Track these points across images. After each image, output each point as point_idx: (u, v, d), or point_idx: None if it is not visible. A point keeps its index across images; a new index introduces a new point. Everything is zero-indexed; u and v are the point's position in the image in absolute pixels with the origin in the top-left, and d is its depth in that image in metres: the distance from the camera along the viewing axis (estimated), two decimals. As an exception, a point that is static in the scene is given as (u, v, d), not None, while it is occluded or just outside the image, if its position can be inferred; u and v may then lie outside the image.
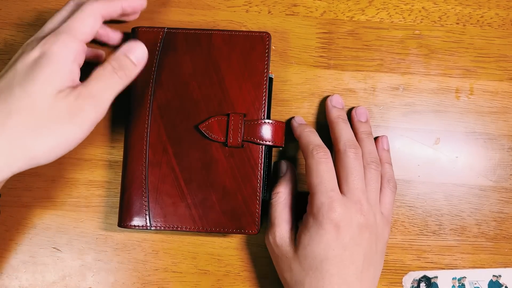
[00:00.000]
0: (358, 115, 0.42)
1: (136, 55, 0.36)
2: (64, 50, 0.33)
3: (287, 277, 0.37)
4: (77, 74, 0.34)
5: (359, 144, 0.40)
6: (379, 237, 0.38)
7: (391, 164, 0.42)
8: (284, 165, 0.42)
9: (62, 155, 0.34)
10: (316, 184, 0.37)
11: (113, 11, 0.37)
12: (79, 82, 0.34)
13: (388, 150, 0.42)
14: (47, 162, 0.33)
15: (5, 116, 0.31)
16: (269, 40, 0.40)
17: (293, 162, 0.43)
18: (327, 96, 0.43)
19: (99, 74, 0.34)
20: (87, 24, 0.35)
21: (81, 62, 0.35)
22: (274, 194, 0.40)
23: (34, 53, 0.33)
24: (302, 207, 0.39)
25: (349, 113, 0.43)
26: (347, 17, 0.44)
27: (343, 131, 0.40)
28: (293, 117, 0.43)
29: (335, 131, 0.40)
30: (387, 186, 0.40)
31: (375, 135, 0.43)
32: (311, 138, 0.39)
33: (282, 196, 0.40)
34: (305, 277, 0.36)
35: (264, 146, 0.39)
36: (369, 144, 0.40)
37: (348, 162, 0.37)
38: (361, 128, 0.41)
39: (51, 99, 0.32)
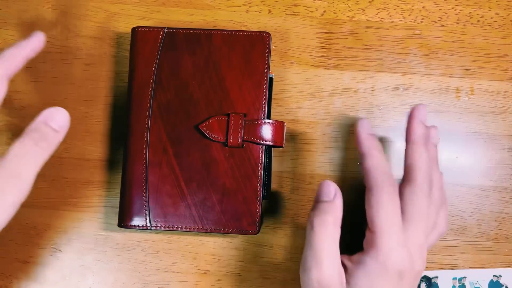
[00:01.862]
0: (433, 136, 0.37)
1: (56, 121, 0.32)
2: None
3: None
4: None
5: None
6: None
7: (446, 206, 0.38)
8: (332, 188, 0.34)
9: None
10: (384, 224, 0.32)
11: (16, 67, 0.33)
12: None
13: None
14: None
15: None
16: (269, 40, 0.40)
17: (293, 165, 0.43)
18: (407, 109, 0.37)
19: (18, 150, 0.30)
20: None
21: None
22: (321, 220, 0.33)
23: None
24: None
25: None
26: (347, 17, 0.44)
27: (422, 160, 0.35)
28: (360, 119, 0.36)
29: (415, 156, 0.35)
30: (437, 232, 0.37)
31: (375, 135, 0.43)
32: (382, 165, 0.34)
33: (331, 226, 0.33)
34: None
35: (264, 146, 0.39)
36: (438, 179, 0.36)
37: (420, 204, 0.33)
38: (431, 152, 0.37)
39: None
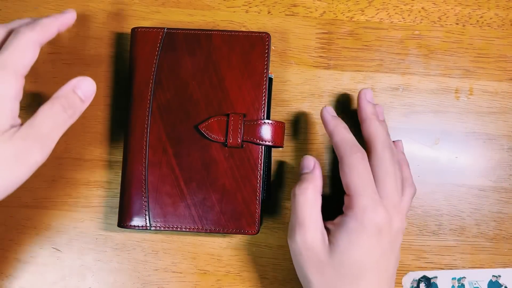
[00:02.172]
0: (379, 114, 0.40)
1: (83, 90, 0.34)
2: (4, 89, 0.31)
3: (315, 281, 0.35)
4: (17, 111, 0.32)
5: None
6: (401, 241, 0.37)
7: (409, 168, 0.41)
8: (310, 161, 0.38)
9: (4, 197, 0.32)
10: (357, 186, 0.35)
11: (50, 35, 0.35)
12: (19, 119, 0.32)
13: (404, 153, 0.42)
14: None
15: None
16: (269, 40, 0.40)
17: (293, 165, 0.43)
18: (359, 91, 0.41)
19: (47, 112, 0.32)
20: (26, 57, 0.32)
21: (21, 97, 0.32)
22: (301, 189, 0.36)
23: None
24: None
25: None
26: (346, 17, 0.44)
27: (379, 130, 0.37)
28: (324, 107, 0.39)
29: (370, 128, 0.38)
30: (409, 190, 0.39)
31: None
32: (347, 136, 0.37)
33: (311, 192, 0.36)
34: (337, 282, 0.34)
35: (263, 146, 0.39)
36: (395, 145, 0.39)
37: (386, 164, 0.36)
38: None
39: None
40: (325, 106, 0.40)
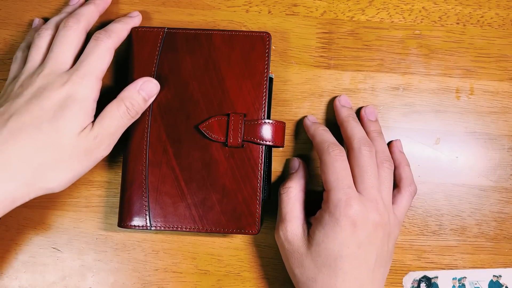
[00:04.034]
0: (368, 114, 0.42)
1: (147, 91, 0.38)
2: (89, 92, 0.36)
3: (297, 273, 0.37)
4: (95, 109, 0.36)
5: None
6: (391, 236, 0.38)
7: (409, 166, 0.41)
8: (296, 162, 0.42)
9: (69, 185, 0.36)
10: (332, 181, 0.36)
11: (122, 40, 0.40)
12: (93, 117, 0.36)
13: (403, 153, 0.42)
14: (59, 191, 0.36)
15: (34, 152, 0.33)
16: (269, 40, 0.40)
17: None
18: (335, 97, 0.43)
19: (115, 114, 0.36)
20: (105, 62, 0.37)
21: (98, 96, 0.37)
22: (284, 188, 0.39)
23: (60, 93, 0.35)
24: (312, 205, 0.39)
25: (357, 113, 0.43)
26: (347, 17, 0.44)
27: (356, 129, 0.39)
28: (306, 116, 0.42)
29: (347, 129, 0.39)
30: (408, 190, 0.40)
31: (375, 135, 0.43)
32: (326, 136, 0.39)
33: (293, 191, 0.39)
34: (317, 274, 0.36)
35: (264, 146, 0.39)
36: (382, 143, 0.40)
37: (363, 160, 0.37)
38: (372, 127, 0.41)
39: (75, 137, 0.34)
40: (306, 116, 0.42)
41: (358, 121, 0.41)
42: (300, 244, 0.37)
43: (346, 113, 0.41)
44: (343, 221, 0.35)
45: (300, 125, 0.43)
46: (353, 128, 0.39)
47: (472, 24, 0.44)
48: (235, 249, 0.43)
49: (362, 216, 0.35)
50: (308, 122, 0.42)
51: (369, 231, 0.36)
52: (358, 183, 0.37)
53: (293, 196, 0.39)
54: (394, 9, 0.44)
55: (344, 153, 0.38)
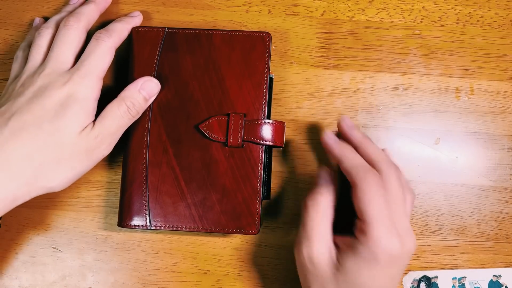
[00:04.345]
0: (350, 128, 0.39)
1: (148, 91, 0.38)
2: (90, 91, 0.36)
3: None
4: (95, 109, 0.36)
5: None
6: None
7: (402, 173, 0.38)
8: (328, 174, 0.38)
9: (70, 185, 0.36)
10: (372, 213, 0.33)
11: (123, 39, 0.40)
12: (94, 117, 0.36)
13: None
14: (60, 190, 0.36)
15: (35, 151, 0.33)
16: (270, 40, 0.40)
17: (293, 165, 0.43)
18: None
19: (116, 113, 0.36)
20: (106, 62, 0.37)
21: (99, 96, 0.37)
22: (312, 200, 0.36)
23: (61, 93, 0.35)
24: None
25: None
26: (347, 17, 0.44)
27: (377, 151, 0.37)
28: (324, 132, 0.38)
29: (368, 151, 0.37)
30: (409, 198, 0.37)
31: (374, 136, 0.43)
32: (357, 159, 0.36)
33: (323, 206, 0.35)
34: None
35: (264, 146, 0.39)
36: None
37: (394, 185, 0.35)
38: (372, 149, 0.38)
39: (76, 137, 0.35)
40: (325, 131, 0.38)
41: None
42: (325, 269, 0.34)
43: (360, 134, 0.38)
44: (383, 259, 0.32)
45: (300, 125, 0.43)
46: (375, 150, 0.37)
47: (472, 24, 0.44)
48: (235, 249, 0.43)
49: (400, 250, 0.33)
50: (330, 142, 0.38)
51: (400, 266, 0.34)
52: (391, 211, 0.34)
53: (322, 211, 0.35)
54: (394, 9, 0.44)
55: (379, 177, 0.34)
